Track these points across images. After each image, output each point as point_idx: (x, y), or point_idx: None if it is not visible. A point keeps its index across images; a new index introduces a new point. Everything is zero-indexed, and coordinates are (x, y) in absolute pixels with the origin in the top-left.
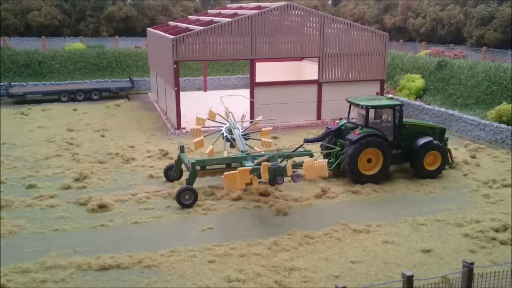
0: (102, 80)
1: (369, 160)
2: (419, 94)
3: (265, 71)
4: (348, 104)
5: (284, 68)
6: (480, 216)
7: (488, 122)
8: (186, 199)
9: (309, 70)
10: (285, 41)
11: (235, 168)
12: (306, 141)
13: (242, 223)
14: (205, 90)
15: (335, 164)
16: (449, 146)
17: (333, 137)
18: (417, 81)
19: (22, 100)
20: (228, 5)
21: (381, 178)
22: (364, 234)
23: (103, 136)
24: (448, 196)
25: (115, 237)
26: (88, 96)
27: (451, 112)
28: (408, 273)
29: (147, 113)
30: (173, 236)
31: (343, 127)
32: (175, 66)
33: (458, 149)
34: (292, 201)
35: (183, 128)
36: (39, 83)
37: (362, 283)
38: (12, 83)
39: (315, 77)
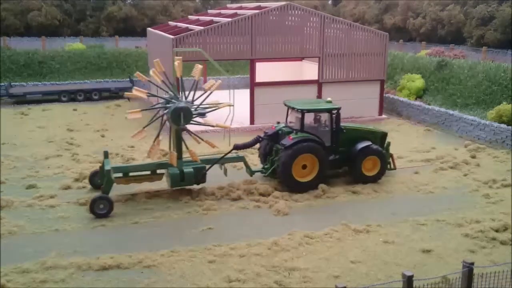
0: (102, 80)
1: (304, 166)
2: (419, 94)
3: (265, 71)
4: (287, 107)
5: (284, 68)
6: (480, 216)
7: (488, 122)
8: (101, 208)
9: (309, 70)
10: (285, 41)
11: (161, 175)
12: (236, 147)
13: (242, 223)
14: None
15: (270, 170)
16: (448, 146)
17: (269, 142)
18: (417, 81)
19: (22, 100)
20: (228, 5)
21: (317, 184)
22: (364, 234)
23: (103, 136)
24: (448, 196)
25: (115, 237)
26: (88, 96)
27: (451, 112)
28: (408, 273)
29: (147, 113)
30: (173, 236)
31: (280, 132)
32: None
33: (458, 149)
34: (292, 201)
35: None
36: (39, 83)
37: (362, 283)
38: (12, 83)
39: (315, 77)
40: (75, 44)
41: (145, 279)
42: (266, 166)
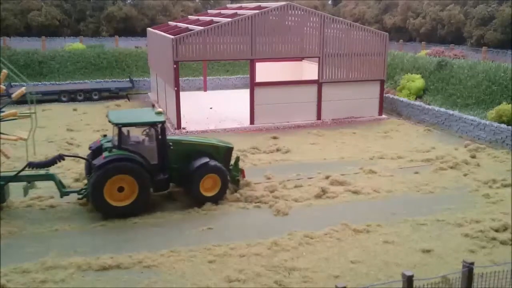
0: (102, 80)
1: (121, 189)
2: (419, 94)
3: (265, 71)
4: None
5: (284, 68)
6: (480, 216)
7: (488, 122)
8: None
9: (309, 70)
10: (285, 41)
11: None
12: (30, 164)
13: (242, 223)
14: (205, 90)
15: (86, 192)
16: (447, 147)
17: (91, 158)
18: (417, 81)
19: (22, 100)
20: (228, 5)
21: (140, 208)
22: (364, 234)
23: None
24: (448, 196)
25: (115, 237)
26: (88, 96)
27: (451, 112)
28: (408, 273)
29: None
30: (173, 236)
31: (103, 147)
32: (175, 66)
33: (458, 149)
34: (292, 201)
35: (183, 128)
36: (39, 83)
37: (362, 283)
38: (12, 83)
39: (315, 77)
40: (75, 44)
41: (145, 279)
42: (85, 187)
